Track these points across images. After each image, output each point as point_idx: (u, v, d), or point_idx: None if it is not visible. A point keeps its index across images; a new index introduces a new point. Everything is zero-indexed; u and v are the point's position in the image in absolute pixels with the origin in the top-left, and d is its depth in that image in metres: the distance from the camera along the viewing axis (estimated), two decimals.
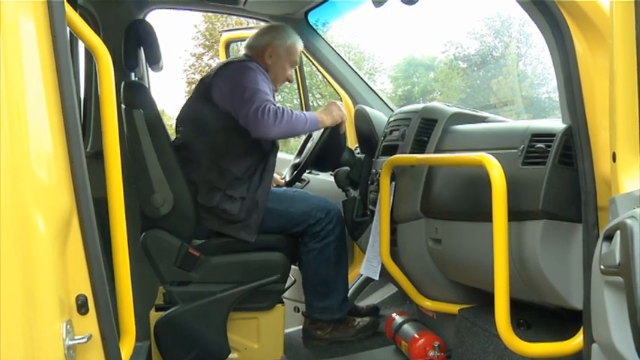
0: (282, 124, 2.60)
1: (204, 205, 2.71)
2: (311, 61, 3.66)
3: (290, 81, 3.03)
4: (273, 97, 2.76)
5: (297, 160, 3.17)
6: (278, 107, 2.63)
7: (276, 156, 2.87)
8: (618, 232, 1.19)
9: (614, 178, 1.46)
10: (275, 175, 2.96)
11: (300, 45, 3.00)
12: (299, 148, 3.37)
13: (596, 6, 1.69)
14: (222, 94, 2.71)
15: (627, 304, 1.12)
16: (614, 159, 1.46)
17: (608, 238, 1.26)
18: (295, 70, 3.71)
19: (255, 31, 3.11)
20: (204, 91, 2.77)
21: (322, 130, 2.99)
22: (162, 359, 2.69)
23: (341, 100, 3.60)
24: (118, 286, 1.51)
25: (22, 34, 1.15)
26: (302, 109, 3.84)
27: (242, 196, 2.71)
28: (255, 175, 2.76)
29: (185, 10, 3.89)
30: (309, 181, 3.41)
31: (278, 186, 3.16)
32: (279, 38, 2.92)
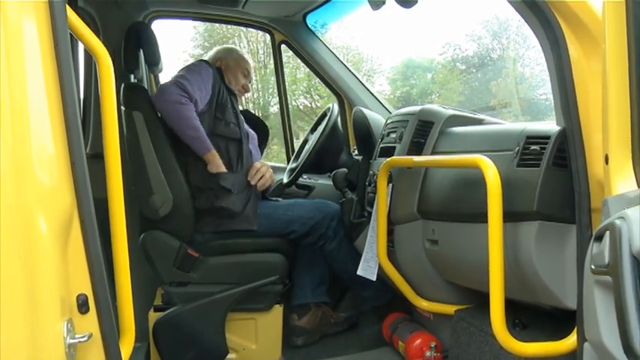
0: (168, 104, 2.66)
1: (203, 209, 2.73)
2: (310, 62, 3.67)
3: (247, 90, 3.17)
4: (218, 97, 2.83)
5: (295, 164, 3.18)
6: (180, 96, 2.66)
7: (248, 143, 2.93)
8: (608, 232, 1.21)
9: (607, 179, 1.47)
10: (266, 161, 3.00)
11: (248, 62, 3.19)
12: (296, 151, 3.39)
13: (589, 10, 1.71)
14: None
15: (615, 304, 1.14)
16: (606, 161, 1.47)
17: (599, 238, 1.28)
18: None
19: None
20: None
21: (320, 132, 3.02)
22: (161, 359, 2.70)
23: (337, 103, 3.61)
24: (117, 286, 1.52)
25: (24, 35, 1.17)
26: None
27: (233, 188, 2.75)
28: (238, 166, 2.81)
29: (184, 19, 3.91)
30: (314, 188, 3.42)
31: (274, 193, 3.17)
32: (226, 56, 3.14)
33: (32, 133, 1.15)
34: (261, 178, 2.82)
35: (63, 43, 1.24)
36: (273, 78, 3.96)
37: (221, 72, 3.00)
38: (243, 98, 3.33)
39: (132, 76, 3.01)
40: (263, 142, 3.24)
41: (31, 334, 1.08)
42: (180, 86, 2.67)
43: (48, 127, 1.20)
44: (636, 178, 1.41)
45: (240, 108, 3.11)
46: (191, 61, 3.15)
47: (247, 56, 3.26)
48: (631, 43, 1.43)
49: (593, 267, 1.27)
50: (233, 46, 3.47)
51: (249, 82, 3.20)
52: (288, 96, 3.98)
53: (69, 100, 1.25)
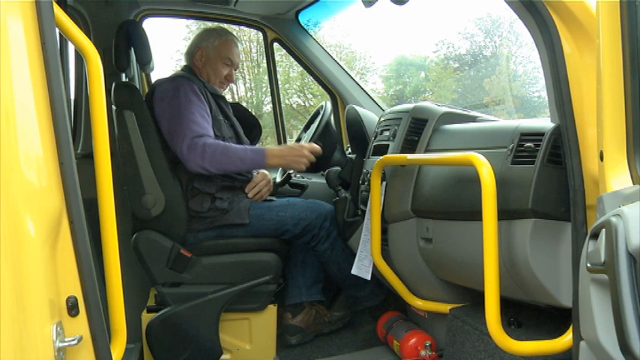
0: (213, 159, 2.64)
1: (195, 210, 2.72)
2: (302, 60, 3.66)
3: (230, 81, 3.04)
4: (210, 112, 2.78)
5: None
6: (207, 143, 2.64)
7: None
8: (603, 230, 1.20)
9: (602, 176, 1.47)
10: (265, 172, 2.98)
11: (232, 42, 2.99)
12: None
13: (583, 6, 1.71)
14: (161, 119, 2.73)
15: (611, 302, 1.13)
16: (601, 158, 1.47)
17: (594, 236, 1.27)
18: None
19: None
20: (151, 108, 2.78)
21: (313, 130, 3.01)
22: None
23: (330, 101, 3.60)
24: (108, 288, 1.51)
25: (10, 35, 1.15)
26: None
27: (224, 186, 2.75)
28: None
29: (175, 17, 3.88)
30: (307, 187, 3.40)
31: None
32: (206, 39, 2.97)
33: (19, 133, 1.14)
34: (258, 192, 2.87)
35: (50, 42, 1.23)
36: (266, 77, 3.94)
37: (198, 73, 2.93)
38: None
39: (123, 75, 2.99)
40: (256, 138, 3.20)
41: (19, 337, 1.06)
42: (195, 128, 2.64)
43: (36, 128, 1.18)
44: (631, 175, 1.40)
45: (230, 100, 3.08)
46: (183, 61, 3.09)
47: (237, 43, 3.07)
48: (625, 40, 1.43)
49: (589, 265, 1.26)
50: (214, 25, 3.27)
51: (235, 69, 3.07)
52: (281, 95, 3.96)
53: (57, 100, 1.23)
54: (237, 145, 2.75)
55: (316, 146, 2.84)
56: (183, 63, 3.05)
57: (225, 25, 3.61)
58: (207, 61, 2.95)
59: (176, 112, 2.68)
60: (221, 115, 2.88)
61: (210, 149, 2.63)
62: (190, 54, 2.97)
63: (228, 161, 2.67)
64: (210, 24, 3.66)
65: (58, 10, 1.29)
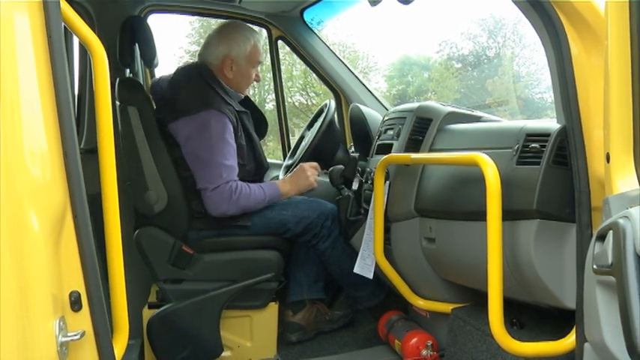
0: (237, 205, 2.66)
1: (198, 211, 2.71)
2: (307, 59, 3.65)
3: (258, 81, 2.94)
4: (236, 138, 2.71)
5: (291, 161, 3.16)
6: (233, 187, 2.64)
7: (264, 173, 2.95)
8: (611, 232, 1.20)
9: (608, 178, 1.46)
10: None
11: (258, 41, 2.86)
12: (292, 148, 3.37)
13: (591, 6, 1.70)
14: (186, 147, 2.68)
15: (619, 304, 1.12)
16: (607, 159, 1.46)
17: (601, 238, 1.27)
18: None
19: None
20: (163, 120, 2.72)
21: (316, 129, 3.00)
22: (155, 357, 2.68)
23: (334, 99, 3.59)
24: (111, 283, 1.50)
25: (17, 29, 1.14)
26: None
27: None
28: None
29: (180, 14, 3.87)
30: None
31: None
32: (236, 47, 2.78)
33: (24, 127, 1.13)
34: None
35: (56, 36, 1.22)
36: (269, 74, 3.94)
37: (227, 82, 2.79)
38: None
39: (127, 71, 2.99)
40: (263, 134, 3.13)
41: (21, 332, 1.06)
42: (223, 173, 2.63)
43: (41, 122, 1.18)
44: (638, 177, 1.40)
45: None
46: (186, 57, 3.06)
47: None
48: (634, 41, 1.42)
49: (595, 267, 1.25)
50: (233, 22, 3.04)
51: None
52: (284, 93, 3.95)
53: (62, 95, 1.22)
54: (256, 188, 2.72)
55: (315, 164, 2.88)
56: (186, 59, 2.98)
57: None
58: (239, 70, 2.80)
59: (206, 152, 2.63)
60: (244, 137, 2.79)
61: (235, 195, 2.64)
62: (217, 64, 2.79)
63: (247, 205, 2.70)
64: (213, 21, 3.64)
65: (64, 5, 1.29)
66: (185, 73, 2.83)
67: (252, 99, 3.08)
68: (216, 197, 2.62)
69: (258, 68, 2.90)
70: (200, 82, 2.74)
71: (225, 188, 2.62)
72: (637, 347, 1.05)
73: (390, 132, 2.75)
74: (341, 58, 3.76)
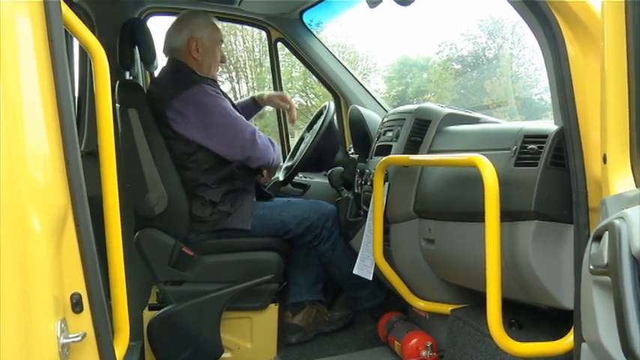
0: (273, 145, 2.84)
1: (198, 215, 2.72)
2: (306, 61, 3.66)
3: (224, 62, 2.98)
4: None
5: (290, 163, 3.17)
6: (260, 133, 2.77)
7: None
8: (607, 232, 1.20)
9: (605, 179, 1.47)
10: None
11: (214, 22, 2.93)
12: (292, 150, 3.37)
13: (587, 7, 1.71)
14: (191, 131, 2.70)
15: (614, 304, 1.13)
16: (604, 160, 1.47)
17: (597, 238, 1.27)
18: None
19: None
20: (160, 117, 2.72)
21: (316, 130, 3.01)
22: (156, 358, 2.69)
23: (333, 101, 3.60)
24: (112, 285, 1.51)
25: (18, 31, 1.15)
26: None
27: (228, 190, 2.76)
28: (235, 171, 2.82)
29: None
30: (309, 186, 3.40)
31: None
32: (196, 28, 2.83)
33: (26, 130, 1.14)
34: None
35: (58, 40, 1.23)
36: (269, 76, 3.94)
37: (197, 67, 2.81)
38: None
39: (127, 73, 2.99)
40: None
41: (23, 334, 1.06)
42: (245, 125, 2.74)
43: (42, 125, 1.18)
44: (634, 178, 1.40)
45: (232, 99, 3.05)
46: None
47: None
48: (630, 42, 1.43)
49: (591, 267, 1.26)
50: (186, 11, 3.02)
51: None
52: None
53: (63, 97, 1.23)
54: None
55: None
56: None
57: (229, 24, 3.60)
58: (205, 50, 2.83)
59: (216, 122, 2.68)
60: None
61: (266, 138, 2.81)
62: (181, 47, 2.82)
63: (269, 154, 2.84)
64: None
65: (64, 8, 1.30)
66: (162, 70, 2.94)
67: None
68: (256, 148, 2.74)
69: (222, 47, 2.94)
70: (176, 71, 2.84)
71: (255, 137, 2.74)
72: (633, 349, 1.06)
73: (390, 133, 2.76)
74: (340, 59, 3.77)
